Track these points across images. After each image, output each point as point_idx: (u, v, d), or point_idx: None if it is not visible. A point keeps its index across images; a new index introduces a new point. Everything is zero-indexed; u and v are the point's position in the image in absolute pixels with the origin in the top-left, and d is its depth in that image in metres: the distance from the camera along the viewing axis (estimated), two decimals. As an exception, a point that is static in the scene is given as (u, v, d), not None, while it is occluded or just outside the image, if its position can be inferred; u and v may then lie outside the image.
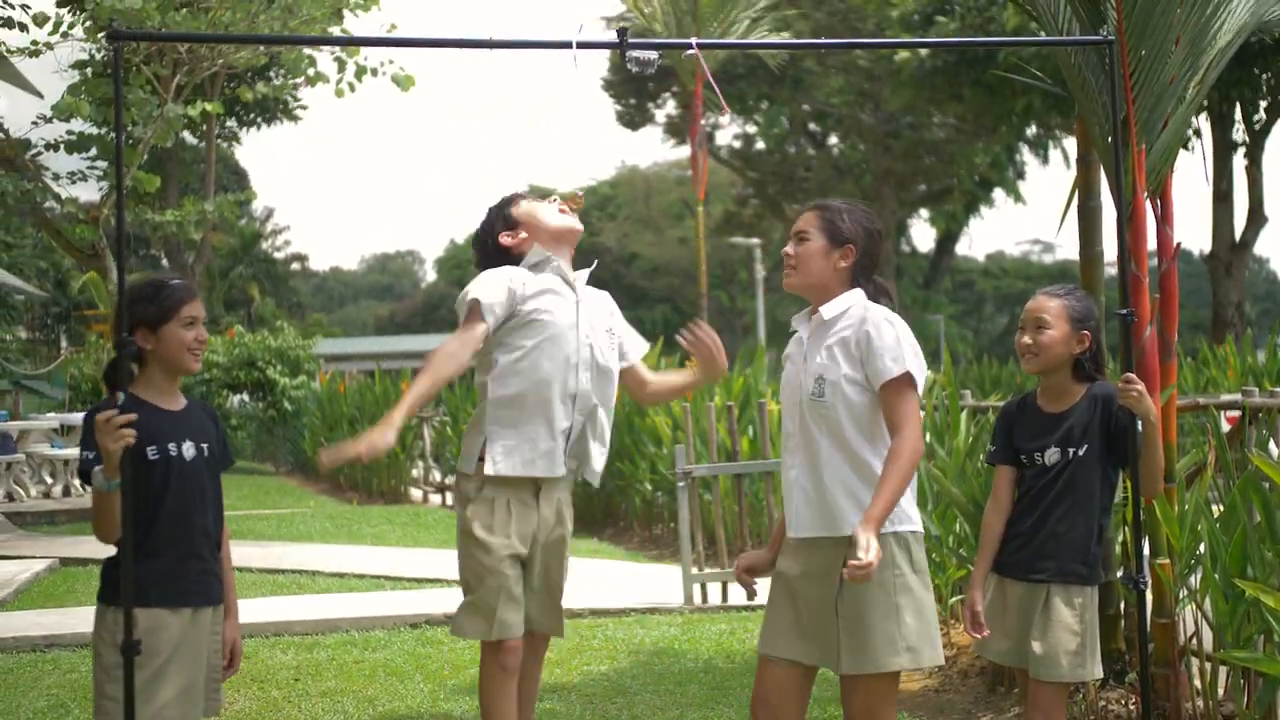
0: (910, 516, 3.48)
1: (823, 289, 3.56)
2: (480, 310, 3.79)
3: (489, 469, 3.86)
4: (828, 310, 3.53)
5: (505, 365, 3.87)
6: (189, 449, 3.38)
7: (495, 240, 3.96)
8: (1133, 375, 3.71)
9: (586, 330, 3.96)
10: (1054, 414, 3.84)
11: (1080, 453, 3.77)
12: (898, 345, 3.41)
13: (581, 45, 3.52)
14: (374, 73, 12.33)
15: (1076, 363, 3.85)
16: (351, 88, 12.38)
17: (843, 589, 3.40)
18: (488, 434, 3.89)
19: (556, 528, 4.01)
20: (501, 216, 3.94)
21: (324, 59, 12.99)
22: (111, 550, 3.34)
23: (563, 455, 3.93)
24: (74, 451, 14.08)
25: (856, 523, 3.32)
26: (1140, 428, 3.74)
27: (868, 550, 3.16)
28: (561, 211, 3.96)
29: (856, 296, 3.54)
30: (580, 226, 4.07)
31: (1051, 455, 3.80)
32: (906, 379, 3.39)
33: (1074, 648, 3.72)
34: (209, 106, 11.46)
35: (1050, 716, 3.75)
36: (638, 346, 4.23)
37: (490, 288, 3.82)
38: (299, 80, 12.84)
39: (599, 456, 4.06)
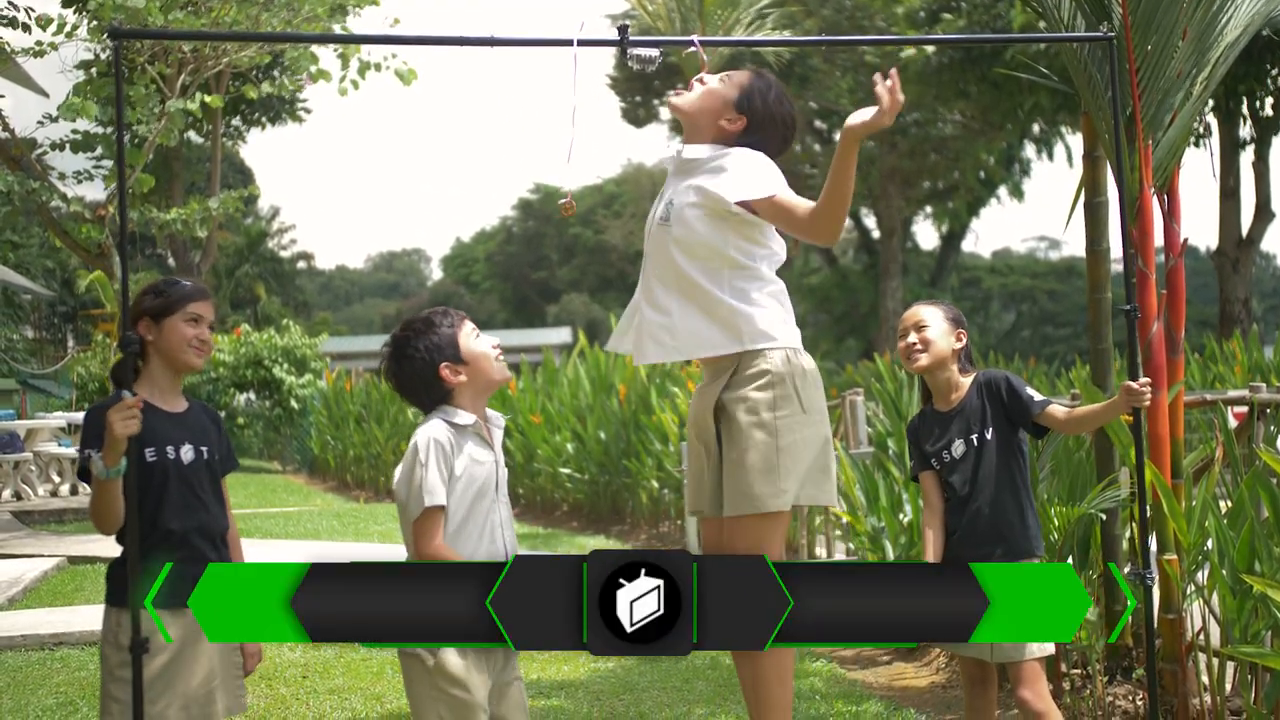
0: (784, 335, 3.48)
1: (699, 131, 3.62)
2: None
3: None
4: (690, 151, 3.59)
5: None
6: (188, 452, 3.36)
7: (436, 368, 3.32)
8: (1147, 380, 3.73)
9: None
10: (948, 411, 4.02)
11: (987, 435, 3.92)
12: (761, 169, 3.45)
13: (582, 43, 3.51)
14: (377, 67, 12.32)
15: (959, 359, 4.04)
16: (355, 85, 12.37)
17: (721, 430, 3.43)
18: None
19: None
20: (452, 344, 3.36)
21: (327, 56, 12.99)
22: (118, 553, 3.33)
23: None
24: (81, 450, 14.08)
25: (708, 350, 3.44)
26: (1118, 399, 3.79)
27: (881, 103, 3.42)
28: (498, 359, 3.41)
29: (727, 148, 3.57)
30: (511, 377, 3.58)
31: (958, 448, 3.96)
32: (775, 197, 3.41)
33: None
34: (210, 100, 11.43)
35: (1038, 691, 3.85)
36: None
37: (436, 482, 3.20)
38: (302, 78, 12.81)
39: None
